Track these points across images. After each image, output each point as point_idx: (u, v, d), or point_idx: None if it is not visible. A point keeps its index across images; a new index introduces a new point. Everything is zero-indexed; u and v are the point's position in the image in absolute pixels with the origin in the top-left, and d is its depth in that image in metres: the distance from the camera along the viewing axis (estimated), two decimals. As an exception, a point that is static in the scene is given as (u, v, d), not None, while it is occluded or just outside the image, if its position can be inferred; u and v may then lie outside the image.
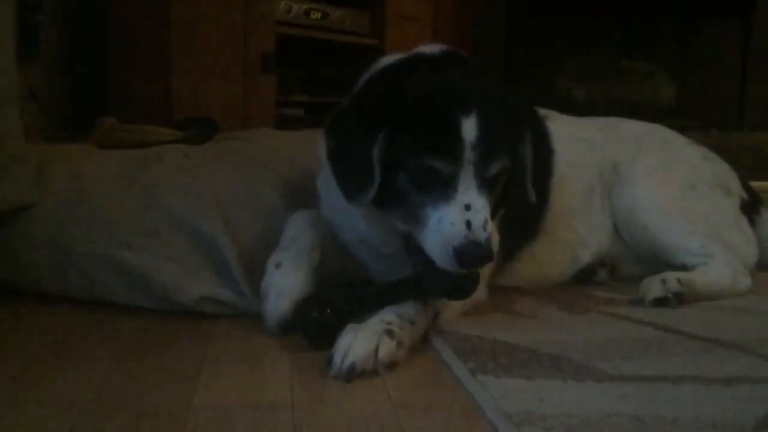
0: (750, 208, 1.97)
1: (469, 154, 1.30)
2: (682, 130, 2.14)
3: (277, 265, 1.47)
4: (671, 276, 1.69)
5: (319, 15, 4.09)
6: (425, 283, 1.36)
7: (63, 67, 3.29)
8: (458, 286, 1.35)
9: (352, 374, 1.20)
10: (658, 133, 2.04)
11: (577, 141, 1.90)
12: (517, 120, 1.44)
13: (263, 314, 1.44)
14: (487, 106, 1.33)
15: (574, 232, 1.85)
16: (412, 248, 1.37)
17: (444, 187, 1.31)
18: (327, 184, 1.57)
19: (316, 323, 1.35)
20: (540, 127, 1.80)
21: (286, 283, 1.43)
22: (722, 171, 1.98)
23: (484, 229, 1.28)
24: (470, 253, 1.26)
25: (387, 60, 1.51)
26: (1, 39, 1.64)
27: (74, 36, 3.36)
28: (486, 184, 1.33)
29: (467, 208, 1.29)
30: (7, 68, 1.67)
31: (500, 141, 1.35)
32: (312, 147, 2.09)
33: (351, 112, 1.42)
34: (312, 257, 1.50)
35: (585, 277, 1.89)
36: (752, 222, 1.95)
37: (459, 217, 1.28)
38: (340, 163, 1.40)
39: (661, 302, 1.65)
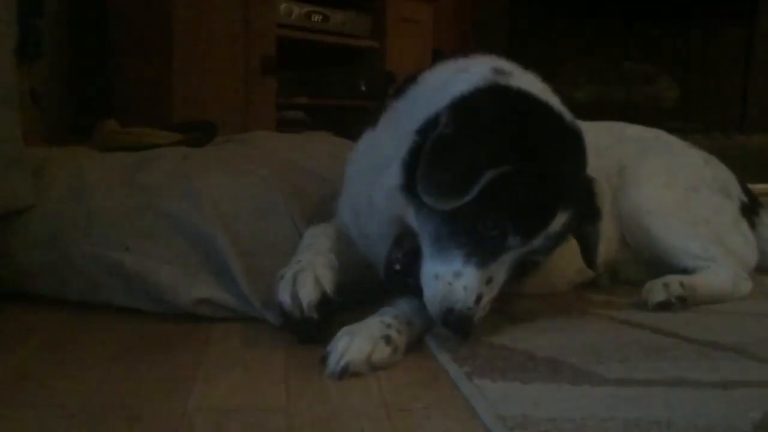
0: (749, 210, 1.96)
1: (537, 241, 1.28)
2: (685, 132, 2.14)
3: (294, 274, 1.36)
4: (674, 280, 1.68)
5: (320, 18, 4.09)
6: (392, 281, 1.36)
7: (65, 70, 3.30)
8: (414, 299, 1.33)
9: (345, 374, 1.22)
10: (662, 136, 2.04)
11: (587, 145, 1.89)
12: (593, 203, 1.42)
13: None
14: (577, 203, 1.33)
15: None
16: (403, 245, 1.34)
17: (491, 247, 1.25)
18: (360, 168, 1.54)
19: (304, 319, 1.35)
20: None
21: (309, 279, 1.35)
22: (722, 174, 1.99)
23: (484, 309, 1.26)
24: (458, 323, 1.24)
25: (493, 62, 1.47)
26: (2, 41, 1.65)
27: (76, 39, 3.37)
28: (521, 266, 1.31)
29: (488, 281, 1.26)
30: (7, 71, 1.67)
31: (561, 240, 1.35)
32: (310, 149, 2.10)
33: (487, 121, 1.28)
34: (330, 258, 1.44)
35: (587, 282, 1.88)
36: (752, 224, 1.95)
37: (475, 286, 1.24)
38: (448, 154, 1.24)
39: (664, 306, 1.64)
